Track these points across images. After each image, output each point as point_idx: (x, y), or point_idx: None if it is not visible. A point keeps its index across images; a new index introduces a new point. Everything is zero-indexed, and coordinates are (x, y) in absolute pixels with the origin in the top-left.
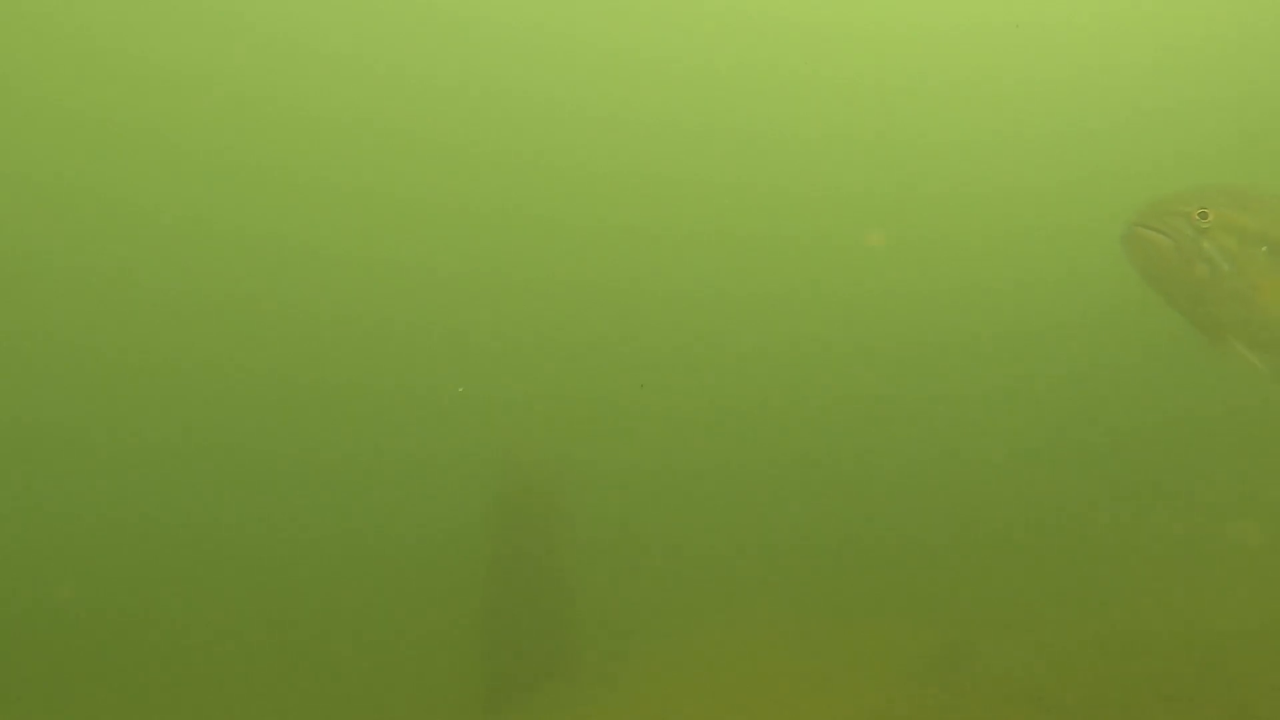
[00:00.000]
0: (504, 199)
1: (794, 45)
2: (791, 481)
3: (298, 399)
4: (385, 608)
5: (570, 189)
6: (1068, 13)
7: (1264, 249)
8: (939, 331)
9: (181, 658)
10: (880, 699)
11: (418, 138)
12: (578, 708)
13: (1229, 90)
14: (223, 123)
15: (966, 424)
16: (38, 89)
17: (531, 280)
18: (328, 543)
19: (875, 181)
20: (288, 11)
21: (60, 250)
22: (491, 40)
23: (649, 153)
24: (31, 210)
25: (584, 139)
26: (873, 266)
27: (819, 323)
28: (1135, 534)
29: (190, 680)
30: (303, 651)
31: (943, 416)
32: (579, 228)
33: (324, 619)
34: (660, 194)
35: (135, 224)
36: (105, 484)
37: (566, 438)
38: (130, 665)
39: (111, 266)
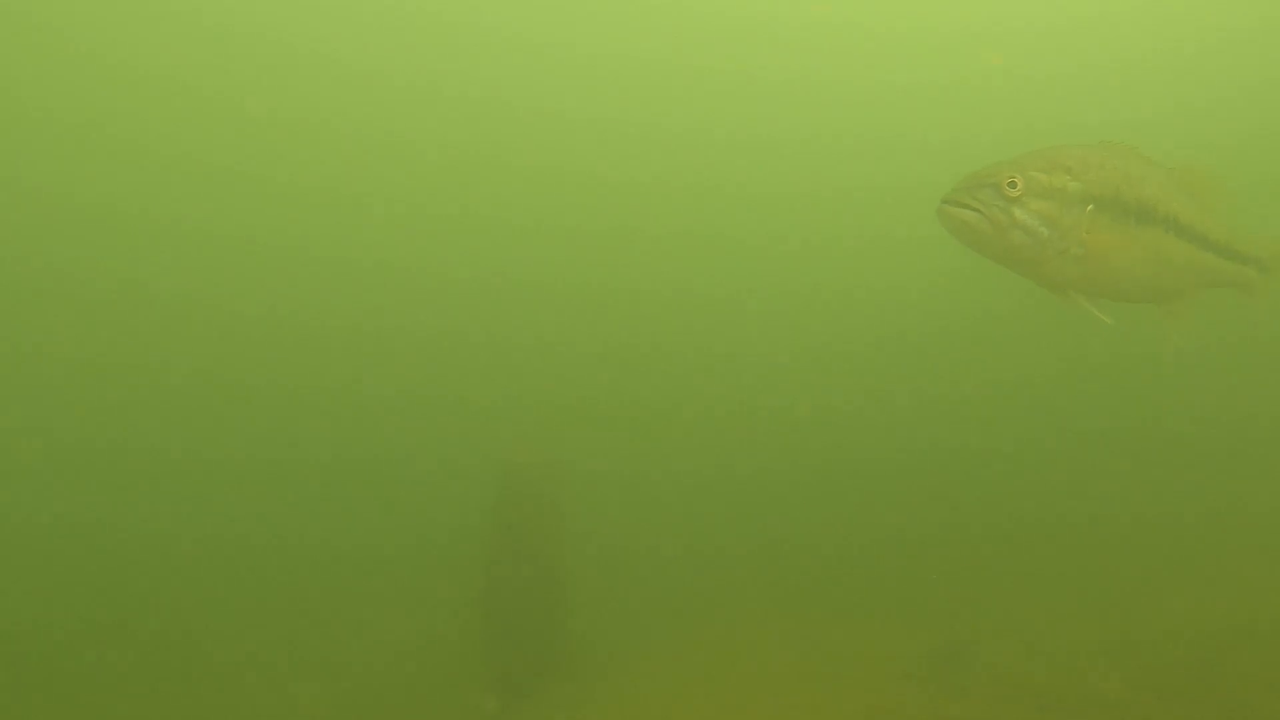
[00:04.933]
0: (503, 202)
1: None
2: (790, 482)
3: (297, 403)
4: (386, 610)
5: (568, 191)
6: (1066, 12)
7: (1089, 208)
8: (937, 326)
9: (183, 659)
10: (878, 699)
11: (415, 141)
12: (578, 708)
13: (1228, 90)
14: (223, 126)
15: (965, 421)
16: (36, 91)
17: (530, 283)
18: (329, 545)
19: (881, 181)
20: (288, 14)
21: (60, 254)
22: (489, 42)
23: (648, 155)
24: (30, 213)
25: (583, 142)
26: (875, 266)
27: (822, 322)
28: (1135, 533)
29: (193, 681)
30: (304, 653)
31: (941, 414)
32: (576, 231)
33: (325, 621)
34: (659, 196)
35: (134, 227)
36: (106, 488)
37: (565, 440)
38: (133, 667)
39: (111, 270)
